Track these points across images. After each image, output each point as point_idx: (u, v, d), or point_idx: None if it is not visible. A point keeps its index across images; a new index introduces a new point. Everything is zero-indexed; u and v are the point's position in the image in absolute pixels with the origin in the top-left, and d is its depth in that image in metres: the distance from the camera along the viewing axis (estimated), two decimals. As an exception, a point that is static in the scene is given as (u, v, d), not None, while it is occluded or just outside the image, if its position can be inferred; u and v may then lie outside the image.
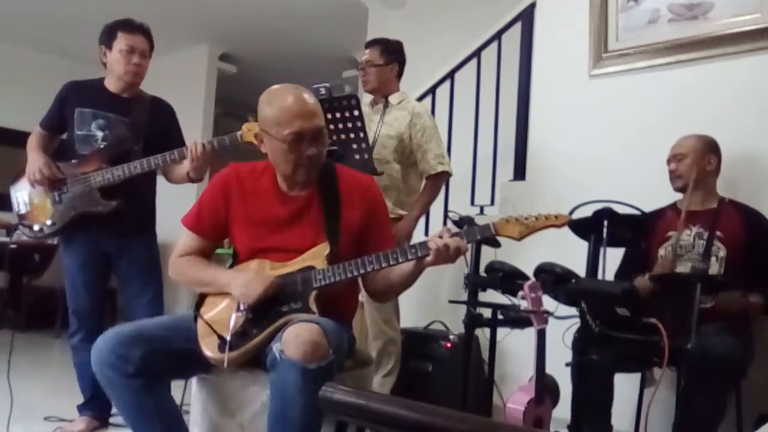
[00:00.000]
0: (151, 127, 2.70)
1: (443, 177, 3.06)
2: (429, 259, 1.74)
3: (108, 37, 2.69)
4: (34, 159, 2.63)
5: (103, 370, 1.75)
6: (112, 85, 2.73)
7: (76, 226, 2.61)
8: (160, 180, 2.83)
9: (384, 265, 1.76)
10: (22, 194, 2.69)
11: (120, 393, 1.77)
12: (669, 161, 2.60)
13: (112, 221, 2.60)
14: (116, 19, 2.72)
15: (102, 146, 2.64)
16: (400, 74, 3.13)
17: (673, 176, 2.58)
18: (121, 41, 2.66)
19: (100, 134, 2.65)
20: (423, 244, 1.75)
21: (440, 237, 1.73)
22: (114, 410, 2.70)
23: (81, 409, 2.76)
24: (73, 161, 2.65)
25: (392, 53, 3.07)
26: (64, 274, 2.74)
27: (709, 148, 2.54)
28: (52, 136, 2.78)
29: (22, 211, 2.68)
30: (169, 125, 2.80)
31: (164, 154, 2.53)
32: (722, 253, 2.42)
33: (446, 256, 1.72)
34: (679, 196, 2.62)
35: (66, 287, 2.72)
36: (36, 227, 2.63)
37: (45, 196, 2.64)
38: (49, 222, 2.62)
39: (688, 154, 2.54)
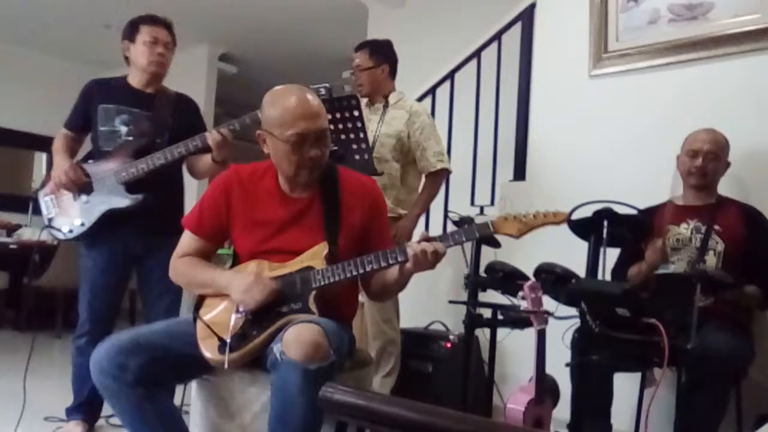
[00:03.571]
0: (176, 122, 2.68)
1: (443, 174, 3.07)
2: (408, 266, 1.74)
3: (131, 31, 2.71)
4: (59, 163, 2.65)
5: (103, 379, 1.74)
6: (135, 80, 2.73)
7: (103, 227, 2.60)
8: None
9: (373, 267, 1.76)
10: (50, 198, 2.71)
11: (120, 402, 1.77)
12: (692, 156, 2.50)
13: (141, 220, 2.57)
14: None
15: (125, 141, 2.63)
16: (393, 73, 3.11)
17: (699, 173, 2.48)
18: (145, 33, 2.69)
19: (124, 129, 2.65)
20: (402, 250, 1.75)
21: (418, 242, 1.73)
22: (104, 412, 2.70)
23: (69, 412, 2.71)
24: (97, 160, 2.65)
25: (381, 54, 3.05)
26: (82, 276, 2.71)
27: (729, 146, 2.52)
28: (77, 135, 2.78)
29: (52, 214, 2.69)
30: (194, 121, 2.77)
31: (186, 142, 2.50)
32: (720, 247, 2.42)
33: (424, 261, 1.72)
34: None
35: (81, 289, 2.69)
36: (65, 229, 2.64)
37: (73, 199, 2.64)
38: (78, 222, 2.62)
39: (720, 155, 2.48)
